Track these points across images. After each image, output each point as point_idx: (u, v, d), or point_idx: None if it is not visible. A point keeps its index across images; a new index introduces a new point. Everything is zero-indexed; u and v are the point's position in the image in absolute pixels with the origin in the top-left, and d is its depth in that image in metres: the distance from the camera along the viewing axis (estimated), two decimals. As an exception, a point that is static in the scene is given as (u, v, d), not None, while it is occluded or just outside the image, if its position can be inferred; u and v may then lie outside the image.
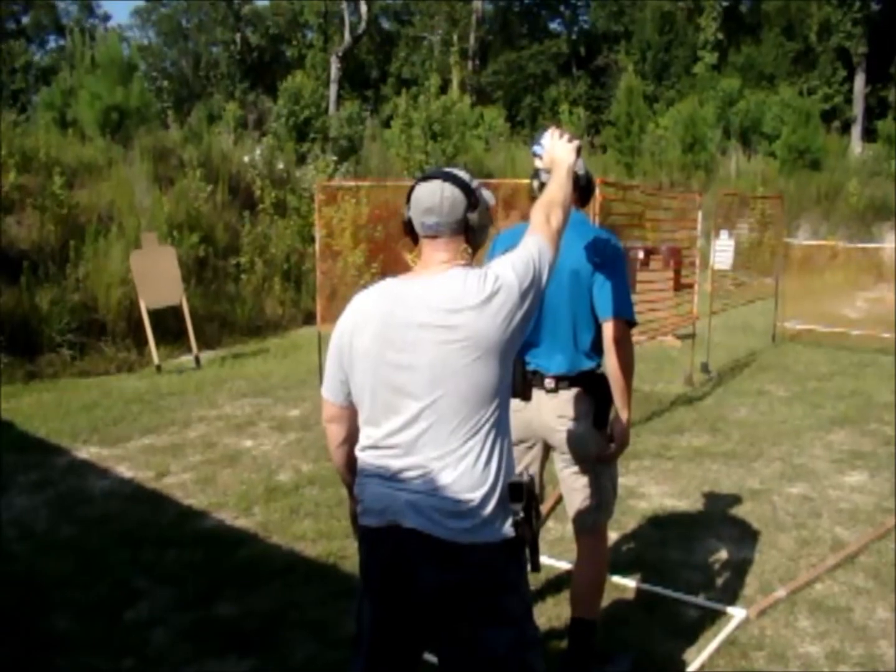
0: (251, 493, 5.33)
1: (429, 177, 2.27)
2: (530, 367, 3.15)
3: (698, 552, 4.48)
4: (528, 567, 2.24)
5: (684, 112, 25.04)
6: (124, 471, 5.79)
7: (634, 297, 7.55)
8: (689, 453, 6.32)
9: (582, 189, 3.17)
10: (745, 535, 4.71)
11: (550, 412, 3.15)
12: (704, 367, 9.23)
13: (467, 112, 22.62)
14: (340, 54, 31.49)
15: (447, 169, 2.30)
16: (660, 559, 4.37)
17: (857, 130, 31.21)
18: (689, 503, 5.25)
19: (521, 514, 2.13)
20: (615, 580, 4.02)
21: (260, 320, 11.80)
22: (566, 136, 2.58)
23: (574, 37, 42.54)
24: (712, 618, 3.75)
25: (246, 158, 14.00)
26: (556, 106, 34.09)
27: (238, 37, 37.64)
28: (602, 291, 3.08)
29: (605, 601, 3.57)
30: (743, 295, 11.67)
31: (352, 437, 2.31)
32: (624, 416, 3.14)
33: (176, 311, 9.64)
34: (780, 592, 3.93)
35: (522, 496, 2.14)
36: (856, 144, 28.78)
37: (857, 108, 31.82)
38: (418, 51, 39.63)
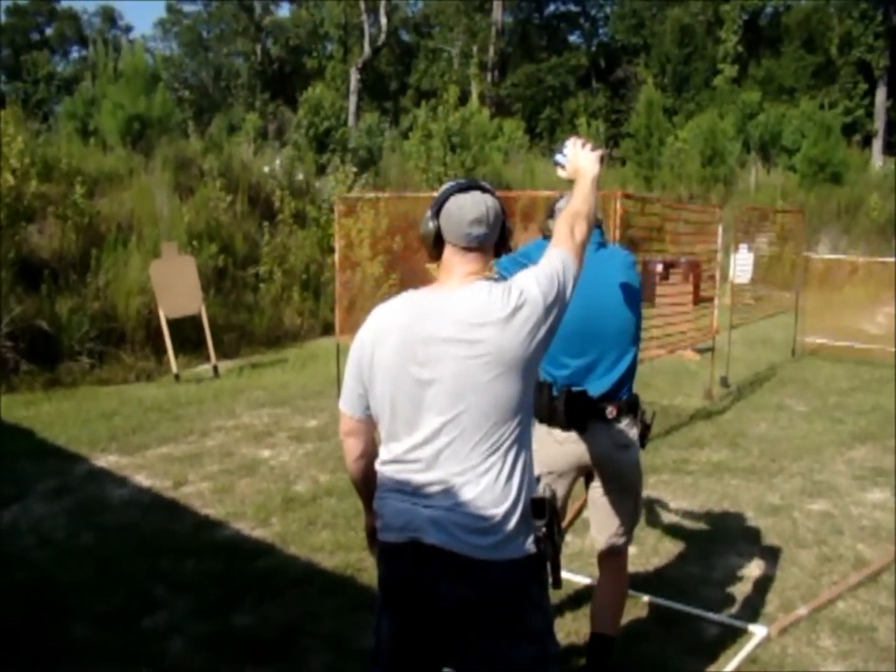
0: (269, 504, 5.33)
1: (465, 187, 2.24)
2: (587, 394, 3.02)
3: (718, 568, 4.44)
4: (550, 583, 2.22)
5: (704, 125, 24.98)
6: (142, 479, 5.81)
7: (653, 311, 7.55)
8: (709, 468, 6.27)
9: None
10: (766, 552, 4.66)
11: (608, 441, 3.06)
12: (724, 381, 9.17)
13: (486, 124, 22.64)
14: (360, 66, 31.66)
15: (475, 180, 2.27)
16: (679, 575, 4.33)
17: (878, 144, 31.05)
18: (708, 518, 5.20)
19: (544, 530, 2.11)
20: (633, 595, 3.98)
21: (278, 330, 11.81)
22: (588, 146, 2.53)
23: (593, 49, 42.57)
24: (732, 635, 3.71)
25: (266, 169, 14.07)
26: (575, 118, 34.09)
27: (259, 48, 37.90)
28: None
29: (624, 616, 3.53)
30: (762, 309, 11.61)
31: (369, 451, 2.30)
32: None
33: (195, 321, 9.68)
34: (802, 610, 3.89)
35: (545, 512, 2.12)
36: (877, 158, 28.63)
37: (879, 122, 31.66)
38: (437, 63, 39.78)
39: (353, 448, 2.33)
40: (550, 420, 3.03)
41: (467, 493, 2.06)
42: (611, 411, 3.04)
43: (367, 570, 4.35)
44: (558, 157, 2.55)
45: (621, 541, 3.26)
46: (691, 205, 14.38)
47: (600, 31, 43.91)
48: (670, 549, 4.65)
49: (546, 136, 36.19)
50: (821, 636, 3.74)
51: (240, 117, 27.18)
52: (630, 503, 3.22)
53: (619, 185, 21.79)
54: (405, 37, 43.06)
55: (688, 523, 5.11)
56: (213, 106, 34.77)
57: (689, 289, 10.71)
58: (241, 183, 13.05)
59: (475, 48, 37.71)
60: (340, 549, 4.62)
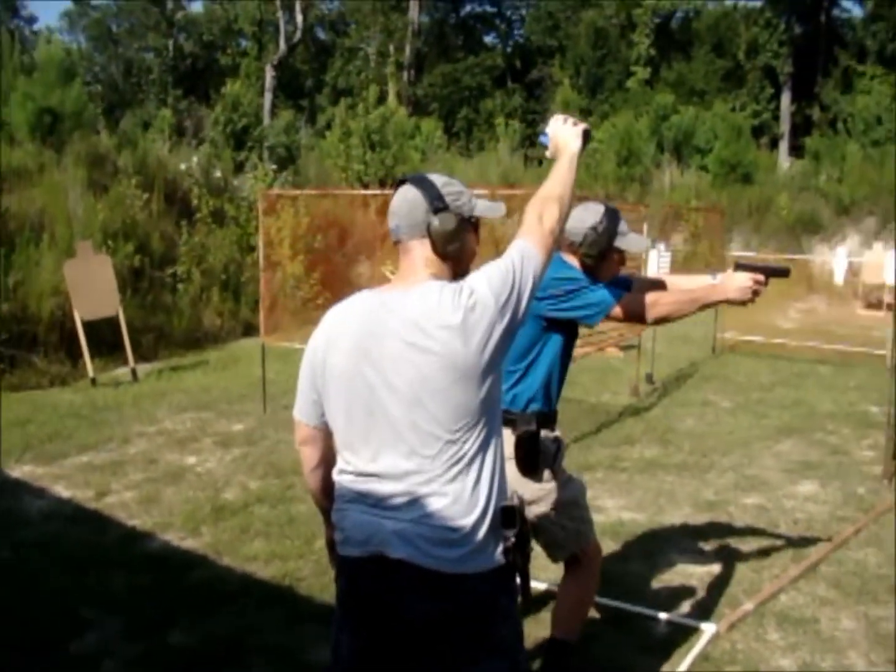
0: (198, 513, 5.12)
1: (403, 180, 2.15)
2: None
3: (661, 565, 4.43)
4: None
5: (619, 126, 25.37)
6: (62, 490, 5.52)
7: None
8: (642, 465, 6.30)
9: None
10: (706, 548, 4.68)
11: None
12: (649, 378, 9.27)
13: (405, 123, 22.55)
14: (275, 63, 31.19)
15: (416, 174, 2.18)
16: (623, 573, 4.30)
17: (784, 146, 32.04)
18: (646, 516, 5.21)
19: (513, 540, 2.03)
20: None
21: (198, 332, 11.49)
22: (571, 121, 2.36)
23: (509, 50, 42.86)
24: (682, 633, 3.69)
25: (183, 166, 13.69)
26: (492, 118, 34.26)
27: (171, 43, 37.00)
28: None
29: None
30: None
31: (327, 460, 2.19)
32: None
33: (111, 323, 9.31)
34: (748, 606, 3.90)
35: (515, 521, 2.03)
36: (783, 160, 29.52)
37: (784, 125, 32.70)
38: (354, 61, 39.48)
39: (309, 457, 2.22)
40: None
41: (433, 505, 1.96)
42: None
43: (305, 579, 4.22)
44: (542, 138, 2.38)
45: (559, 554, 3.15)
46: (618, 203, 14.55)
47: (516, 32, 44.28)
48: (612, 547, 4.62)
49: (463, 136, 36.28)
50: (768, 630, 3.76)
51: (151, 114, 26.45)
52: (546, 521, 3.03)
53: (537, 185, 21.93)
54: (321, 35, 42.65)
55: (627, 521, 5.10)
56: (124, 102, 33.75)
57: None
58: (157, 180, 12.66)
59: (392, 47, 37.54)
60: (276, 558, 4.47)
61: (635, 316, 2.96)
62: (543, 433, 2.99)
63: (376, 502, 2.00)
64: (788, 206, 22.04)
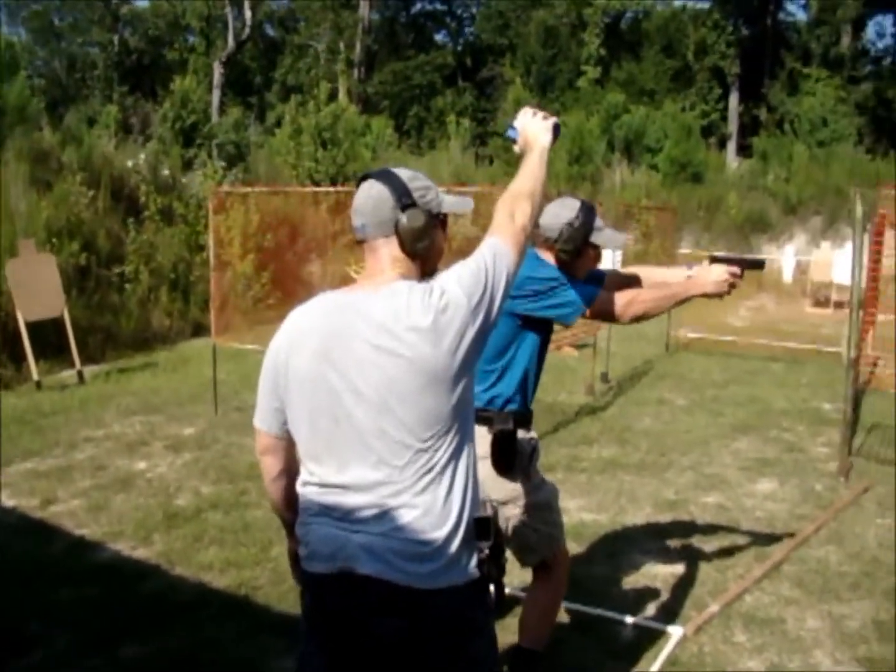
0: (149, 521, 4.95)
1: (367, 176, 2.04)
2: None
3: (625, 567, 4.39)
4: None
5: (571, 125, 25.47)
6: (5, 499, 5.30)
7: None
8: (601, 465, 6.27)
9: None
10: (669, 548, 4.65)
11: None
12: (604, 377, 9.27)
13: (356, 120, 22.38)
14: (224, 59, 30.75)
15: (382, 169, 2.05)
16: (588, 576, 4.24)
17: (732, 146, 32.47)
18: (608, 517, 5.16)
19: (487, 552, 1.94)
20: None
21: (146, 332, 11.23)
22: (540, 114, 2.26)
23: (460, 48, 42.81)
24: (649, 636, 3.65)
25: (130, 163, 13.38)
26: (443, 116, 34.19)
27: (116, 38, 36.27)
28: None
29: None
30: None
31: (290, 470, 2.08)
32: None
33: (56, 324, 9.04)
34: (714, 607, 3.86)
35: (489, 533, 1.95)
36: (731, 160, 29.91)
37: (732, 125, 33.13)
38: (304, 58, 39.09)
39: (270, 467, 2.11)
40: None
41: (404, 517, 1.86)
42: None
43: (262, 588, 4.09)
44: (510, 133, 2.28)
45: (529, 559, 3.09)
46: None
47: (466, 30, 44.23)
48: (574, 549, 4.54)
49: (414, 134, 36.15)
50: (734, 632, 3.73)
51: (96, 110, 25.89)
52: (518, 522, 2.95)
53: (490, 183, 22.00)
54: (270, 31, 42.17)
55: (588, 522, 5.06)
56: (68, 97, 33.00)
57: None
58: (103, 178, 12.36)
59: (342, 44, 37.28)
60: (231, 566, 4.33)
61: (610, 315, 2.89)
62: (520, 433, 2.92)
63: (343, 515, 1.90)
64: (737, 206, 22.33)
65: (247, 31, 31.73)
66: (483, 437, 2.80)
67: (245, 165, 16.65)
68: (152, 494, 5.45)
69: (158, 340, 11.30)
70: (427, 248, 2.00)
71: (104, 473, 5.88)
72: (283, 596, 3.92)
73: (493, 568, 1.97)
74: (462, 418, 1.93)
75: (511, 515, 2.94)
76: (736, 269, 2.85)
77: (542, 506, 3.01)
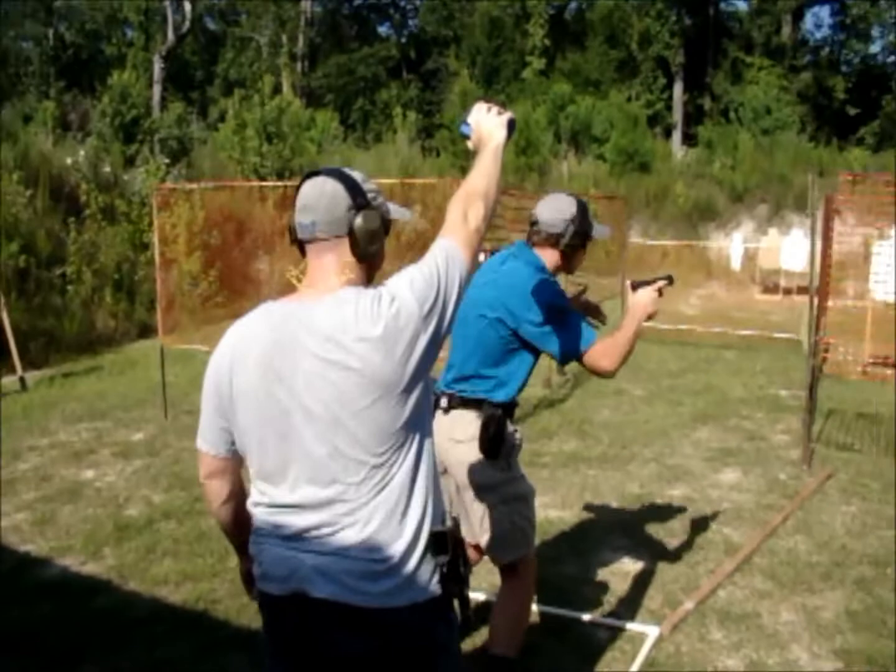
0: (99, 533, 4.74)
1: (315, 173, 1.94)
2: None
3: (595, 566, 4.29)
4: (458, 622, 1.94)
5: (518, 116, 25.23)
6: (-56, 515, 5.05)
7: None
8: (563, 459, 6.19)
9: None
10: (638, 544, 4.56)
11: (443, 432, 2.78)
12: (560, 369, 9.19)
13: (301, 114, 22.08)
14: (164, 54, 30.07)
15: (332, 167, 1.95)
16: (556, 576, 4.13)
17: (677, 135, 32.70)
18: (573, 513, 5.07)
19: (446, 568, 1.85)
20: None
21: (91, 335, 10.92)
22: (495, 109, 2.13)
23: (404, 41, 42.53)
24: (625, 637, 3.55)
25: (69, 161, 12.96)
26: (388, 109, 33.92)
27: (51, 32, 35.27)
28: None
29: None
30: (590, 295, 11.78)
31: (237, 492, 2.01)
32: None
33: (-5, 328, 8.71)
34: (688, 605, 3.78)
35: (447, 547, 1.85)
36: (676, 149, 30.14)
37: (677, 115, 33.35)
38: (246, 52, 38.47)
39: (217, 491, 2.00)
40: None
41: (357, 536, 1.77)
42: (444, 402, 2.93)
43: (220, 601, 3.92)
44: (463, 128, 2.15)
45: (502, 555, 3.01)
46: (532, 193, 14.49)
47: (410, 22, 43.95)
48: (542, 548, 4.42)
49: (360, 127, 35.83)
50: (710, 629, 3.65)
51: (31, 106, 25.12)
52: (495, 512, 2.92)
53: (437, 175, 21.90)
54: (211, 25, 41.41)
55: (554, 519, 4.96)
56: (1, 94, 32.03)
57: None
58: (41, 176, 11.99)
59: (284, 37, 36.75)
60: (187, 579, 4.14)
61: (594, 369, 2.84)
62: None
63: (294, 535, 1.81)
64: (685, 194, 22.48)
65: (187, 24, 31.07)
66: (470, 422, 2.87)
67: (188, 161, 16.27)
68: (101, 505, 5.23)
69: (103, 343, 10.99)
70: (377, 252, 1.92)
71: (50, 484, 5.63)
72: (243, 609, 3.75)
73: (454, 583, 1.87)
74: (418, 429, 1.84)
75: (491, 504, 2.92)
76: (657, 285, 2.86)
77: (519, 498, 3.00)
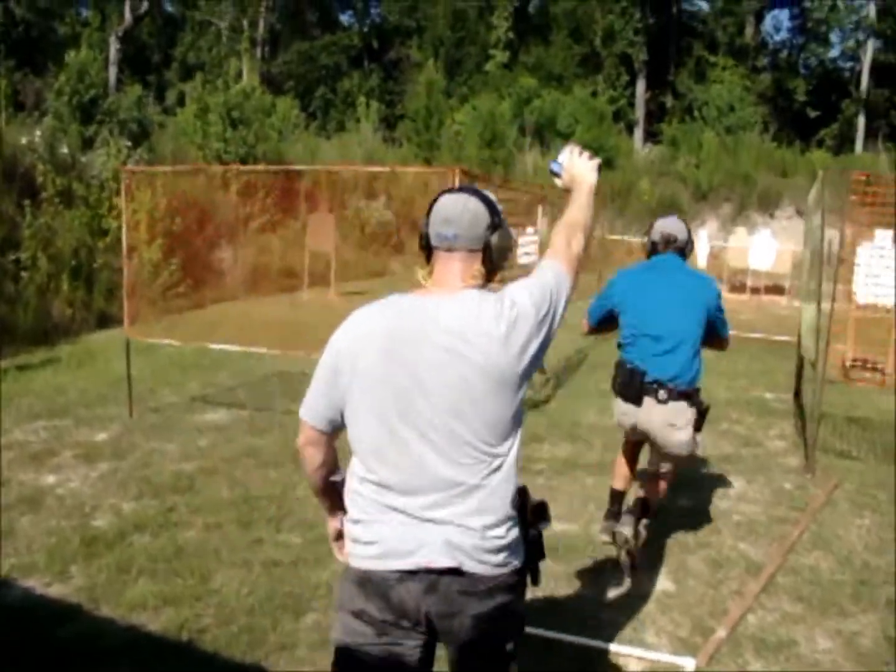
0: (65, 548, 4.29)
1: (455, 190, 2.19)
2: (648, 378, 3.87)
3: (612, 588, 3.99)
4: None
5: (482, 108, 25.14)
6: None
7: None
8: (558, 465, 5.90)
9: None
10: (654, 562, 4.26)
11: (659, 418, 3.89)
12: (541, 369, 8.92)
13: (265, 100, 21.59)
14: (120, 34, 29.19)
15: (473, 187, 2.22)
16: (575, 600, 3.83)
17: (639, 132, 32.71)
18: (580, 526, 4.76)
19: (536, 535, 2.14)
20: (538, 633, 3.41)
21: (46, 325, 10.32)
22: (586, 154, 2.39)
23: (366, 30, 41.95)
24: (658, 669, 3.24)
25: (24, 140, 12.32)
26: (350, 98, 33.40)
27: (0, 9, 34.09)
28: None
29: (537, 662, 2.99)
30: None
31: (330, 461, 2.20)
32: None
33: (-57, 317, 8.16)
34: (721, 633, 3.50)
35: (548, 514, 2.17)
36: (638, 146, 30.13)
37: (640, 112, 33.35)
38: (205, 36, 37.60)
39: (313, 458, 2.19)
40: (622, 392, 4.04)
41: (475, 513, 1.97)
42: (662, 394, 3.84)
43: (207, 629, 3.53)
44: (553, 167, 2.40)
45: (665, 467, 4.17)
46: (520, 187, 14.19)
47: (373, 11, 43.33)
48: (555, 569, 4.11)
49: (320, 116, 35.26)
50: (748, 659, 3.38)
51: (-19, 85, 24.16)
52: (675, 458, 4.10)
53: (401, 165, 21.56)
54: (169, 7, 40.40)
55: (560, 534, 4.62)
56: (-52, 72, 30.89)
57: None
58: (-7, 156, 11.35)
59: (245, 22, 35.96)
60: (167, 603, 3.74)
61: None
62: None
63: (416, 513, 1.97)
64: (650, 191, 22.40)
65: (144, 5, 30.24)
66: (682, 410, 3.92)
67: (149, 144, 15.67)
68: (65, 515, 4.77)
69: (60, 333, 10.40)
70: (502, 268, 2.18)
71: (6, 490, 5.13)
72: (234, 639, 3.38)
73: (536, 548, 2.14)
74: (518, 422, 2.05)
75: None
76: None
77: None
